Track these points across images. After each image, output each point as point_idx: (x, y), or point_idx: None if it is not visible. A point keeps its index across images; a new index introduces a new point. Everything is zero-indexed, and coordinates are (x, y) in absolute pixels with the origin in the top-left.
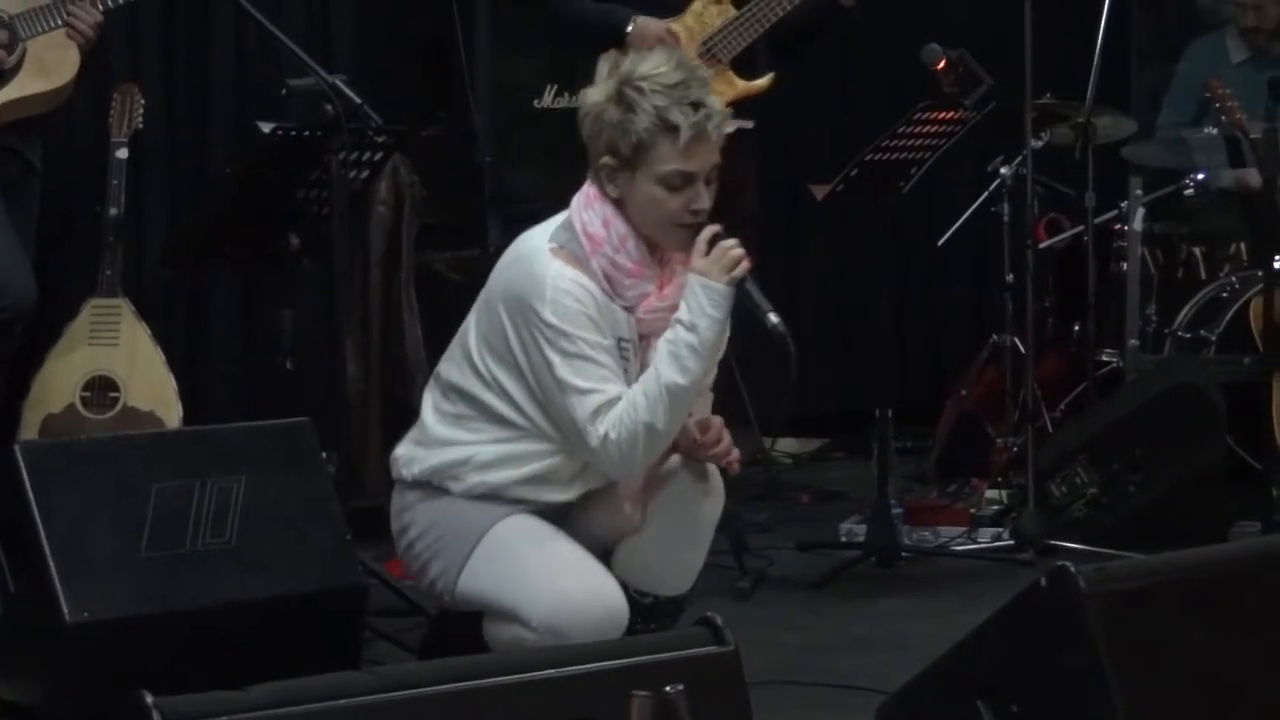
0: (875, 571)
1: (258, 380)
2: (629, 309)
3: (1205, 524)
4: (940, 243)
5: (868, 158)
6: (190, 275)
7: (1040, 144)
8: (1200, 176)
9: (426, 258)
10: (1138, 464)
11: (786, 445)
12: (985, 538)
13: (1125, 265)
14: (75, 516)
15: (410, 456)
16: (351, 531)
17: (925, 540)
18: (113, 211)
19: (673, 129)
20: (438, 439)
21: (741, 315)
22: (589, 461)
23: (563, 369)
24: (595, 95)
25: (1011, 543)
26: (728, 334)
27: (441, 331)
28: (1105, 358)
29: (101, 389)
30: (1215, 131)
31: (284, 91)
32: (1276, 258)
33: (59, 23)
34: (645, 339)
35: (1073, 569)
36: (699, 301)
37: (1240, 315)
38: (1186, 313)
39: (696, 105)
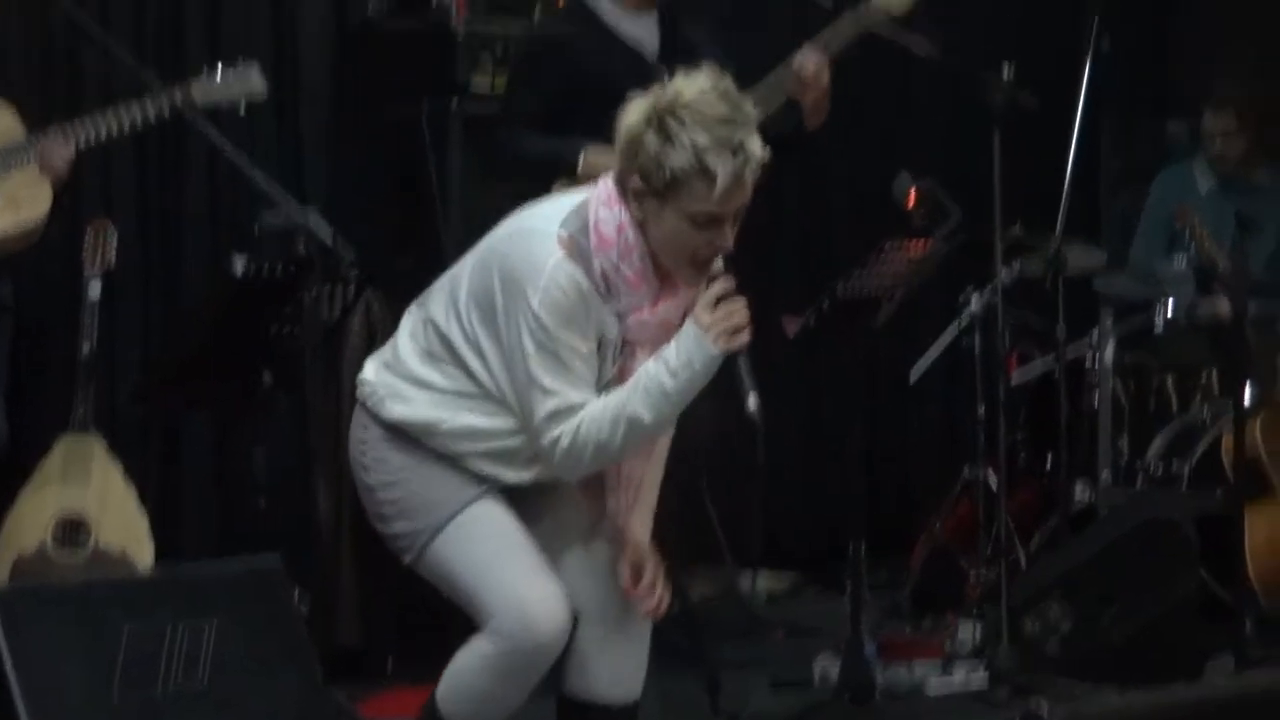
0: (850, 710)
1: (231, 518)
2: (620, 315)
3: (1180, 659)
4: (912, 375)
5: (839, 291)
6: (163, 412)
7: (1011, 275)
8: (1171, 307)
9: None
10: (1111, 599)
11: (761, 582)
12: (960, 673)
13: (1096, 397)
14: (47, 661)
15: (380, 390)
16: (324, 672)
17: (900, 676)
18: (85, 348)
19: (710, 174)
20: (407, 373)
21: (717, 402)
22: (536, 450)
23: (535, 362)
24: (634, 115)
25: (986, 678)
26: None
27: None
28: (1078, 491)
29: (73, 528)
30: (1185, 264)
31: (257, 228)
32: (1247, 389)
33: (31, 159)
34: (630, 345)
35: (1045, 711)
36: (689, 353)
37: (1213, 447)
38: (1158, 445)
39: (736, 150)
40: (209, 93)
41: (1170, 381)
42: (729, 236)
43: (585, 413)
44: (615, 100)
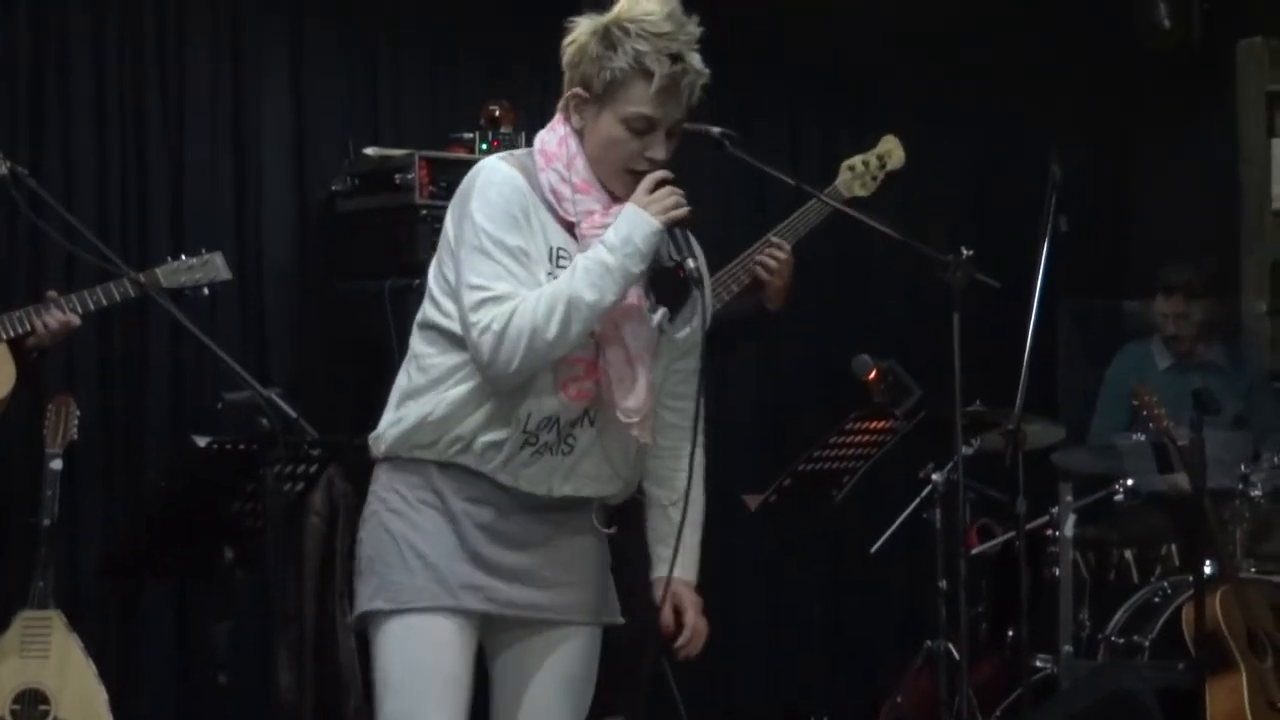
0: None
1: (192, 693)
2: (572, 224)
3: None
4: (873, 549)
5: (800, 467)
6: (125, 586)
7: (971, 451)
8: (1130, 482)
9: None
10: None
11: None
12: None
13: (1057, 570)
14: None
15: (382, 428)
16: None
17: None
18: (46, 522)
19: (647, 74)
20: (398, 392)
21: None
22: (472, 355)
23: (466, 265)
24: (583, 27)
25: None
26: (644, 270)
27: None
28: (1040, 663)
29: (32, 702)
30: (1144, 438)
31: (220, 405)
32: (1206, 563)
33: None
34: (598, 339)
35: None
36: (627, 227)
37: (1173, 621)
38: (1119, 618)
39: (675, 58)
40: (175, 277)
41: (1130, 555)
42: (662, 148)
43: (519, 300)
44: None
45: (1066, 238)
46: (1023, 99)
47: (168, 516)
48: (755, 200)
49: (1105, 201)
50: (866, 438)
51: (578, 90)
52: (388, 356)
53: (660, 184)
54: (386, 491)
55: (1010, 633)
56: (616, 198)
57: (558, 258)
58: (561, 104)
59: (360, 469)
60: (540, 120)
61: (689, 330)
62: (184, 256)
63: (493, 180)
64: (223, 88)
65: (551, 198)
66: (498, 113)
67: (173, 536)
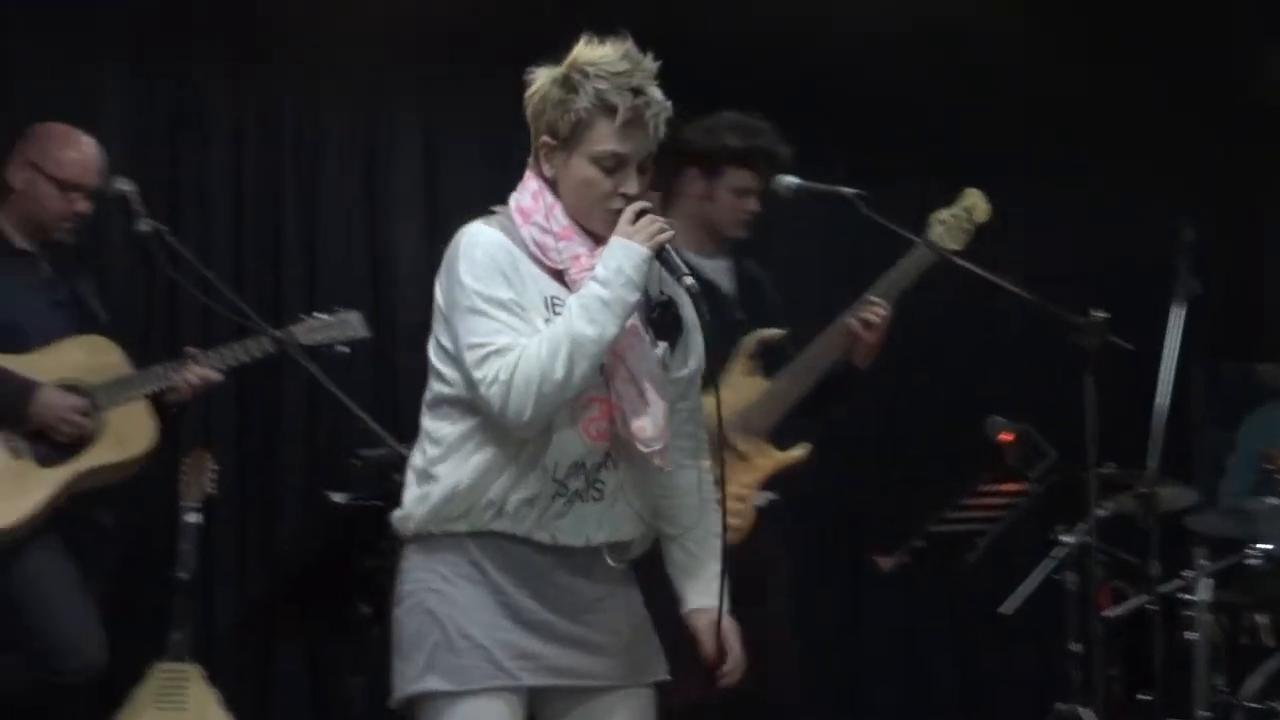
0: None
1: None
2: (561, 272)
3: None
4: (1004, 610)
5: (933, 528)
6: (261, 640)
7: (1104, 513)
8: (1266, 546)
9: None
10: None
11: None
12: None
13: (1191, 634)
14: None
15: (408, 507)
16: None
17: None
18: (183, 576)
19: (610, 110)
20: (416, 470)
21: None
22: (487, 413)
23: (464, 328)
24: (542, 77)
25: None
26: (639, 299)
27: None
28: None
29: None
30: (1277, 501)
31: (356, 462)
32: None
33: (140, 393)
34: (606, 367)
35: None
36: (616, 260)
37: None
38: (1254, 681)
39: (636, 91)
40: (312, 335)
41: (1264, 619)
42: (635, 183)
43: (521, 348)
44: None
45: (1200, 298)
46: (1148, 159)
47: (305, 572)
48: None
49: (1235, 262)
50: (999, 499)
51: (545, 139)
52: None
53: (640, 214)
54: (423, 571)
55: (1142, 696)
56: (599, 239)
57: (553, 306)
58: (531, 159)
59: None
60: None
61: (687, 371)
62: (318, 315)
63: (476, 242)
64: (358, 148)
65: (536, 250)
66: None
67: (309, 592)
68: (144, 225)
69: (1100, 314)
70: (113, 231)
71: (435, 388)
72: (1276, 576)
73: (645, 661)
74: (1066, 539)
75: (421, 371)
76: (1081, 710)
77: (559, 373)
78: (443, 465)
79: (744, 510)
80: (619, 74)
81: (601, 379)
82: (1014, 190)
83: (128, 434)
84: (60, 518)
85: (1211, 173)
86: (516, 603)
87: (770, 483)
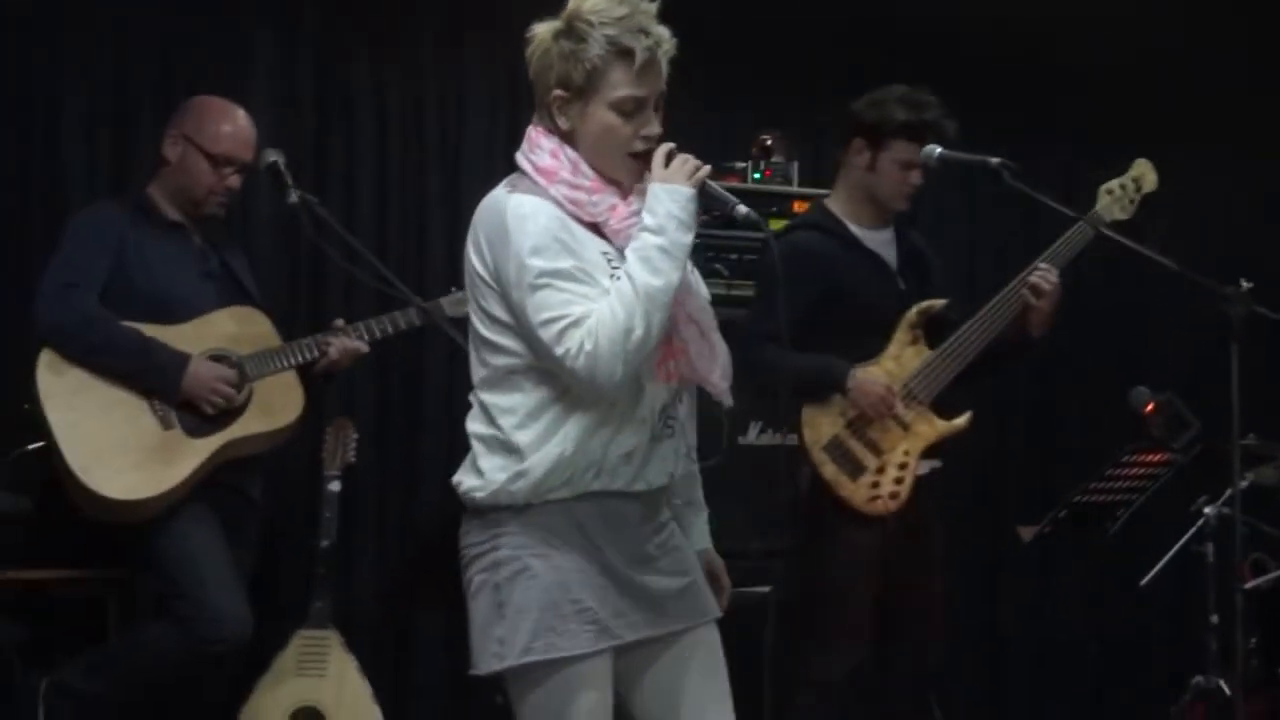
0: None
1: (465, 713)
2: (599, 226)
3: None
4: (1144, 582)
5: (1076, 499)
6: (401, 609)
7: (1245, 484)
8: None
9: None
10: None
11: None
12: None
13: None
14: None
15: (498, 481)
16: None
17: None
18: (324, 543)
19: (627, 53)
20: (494, 437)
21: None
22: (574, 386)
23: (531, 307)
24: (542, 32)
25: None
26: (693, 238)
27: None
28: None
29: (309, 719)
30: None
31: None
32: None
33: (288, 364)
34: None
35: None
36: (664, 205)
37: None
38: None
39: (645, 32)
40: (459, 307)
41: None
42: (655, 123)
43: (595, 315)
44: (865, 310)
45: None
46: None
47: (445, 542)
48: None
49: None
50: (1142, 470)
51: (558, 92)
52: None
53: (669, 156)
54: (522, 538)
55: None
56: (623, 189)
57: (608, 262)
58: (537, 116)
59: None
60: (809, 148)
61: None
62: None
63: (525, 214)
64: (501, 116)
65: (573, 208)
66: (769, 142)
67: (449, 562)
68: (293, 196)
69: (1246, 284)
70: (260, 202)
71: (495, 360)
72: None
73: (709, 598)
74: (1207, 510)
75: None
76: (1220, 682)
77: (639, 330)
78: (524, 433)
79: (905, 478)
80: (623, 17)
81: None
82: (1164, 157)
83: (275, 404)
84: (209, 487)
85: None
86: (612, 560)
87: (933, 451)
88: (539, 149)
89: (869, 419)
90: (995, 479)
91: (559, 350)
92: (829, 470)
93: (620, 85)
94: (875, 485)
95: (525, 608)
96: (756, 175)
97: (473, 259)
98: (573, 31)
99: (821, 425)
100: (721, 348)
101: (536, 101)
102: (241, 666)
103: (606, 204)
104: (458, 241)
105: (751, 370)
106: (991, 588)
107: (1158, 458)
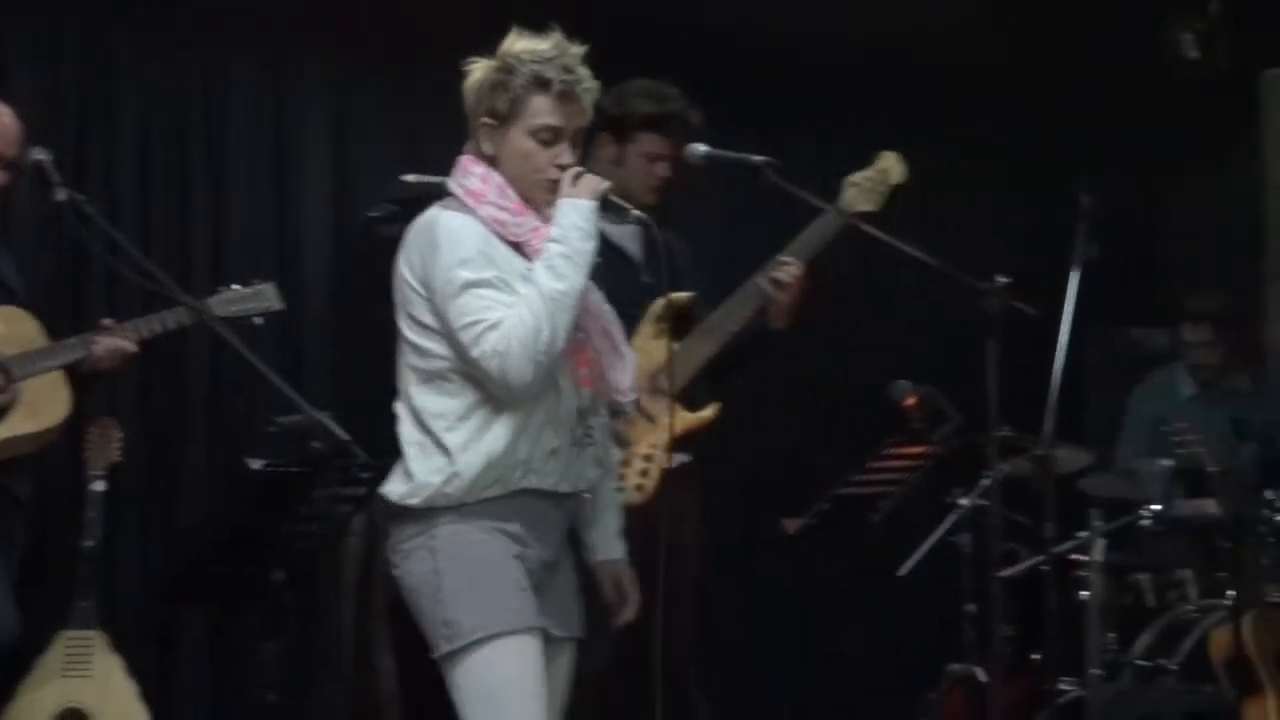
0: None
1: (232, 713)
2: (521, 245)
3: None
4: (902, 572)
5: (840, 491)
6: (167, 607)
7: (999, 476)
8: (1155, 507)
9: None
10: None
11: None
12: None
13: (1083, 594)
14: None
15: (434, 482)
16: None
17: None
18: (89, 544)
19: (545, 85)
20: (423, 441)
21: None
22: (487, 385)
23: (454, 311)
24: (479, 68)
25: None
26: (595, 246)
27: (415, 660)
28: (1066, 686)
29: None
30: (1170, 463)
31: (272, 429)
32: (1235, 588)
33: (55, 364)
34: (578, 338)
35: None
36: (568, 217)
37: (1199, 644)
38: (1144, 640)
39: (567, 69)
40: (228, 306)
41: (1150, 580)
42: (569, 154)
43: (507, 320)
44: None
45: (1095, 264)
46: (1051, 127)
47: (216, 539)
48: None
49: (1133, 229)
50: (903, 463)
51: (485, 120)
52: None
53: (577, 177)
54: (458, 531)
55: (1036, 656)
56: (543, 214)
57: (524, 279)
58: (470, 144)
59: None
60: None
61: None
62: (236, 286)
63: (454, 228)
64: (265, 114)
65: (498, 227)
66: None
67: (225, 558)
68: (60, 195)
69: (1003, 279)
70: (23, 201)
71: (422, 364)
72: (1166, 538)
73: (578, 615)
74: (963, 501)
75: (326, 337)
76: (976, 669)
77: (545, 332)
78: (454, 435)
79: (651, 470)
80: (550, 57)
81: (578, 333)
82: (920, 155)
83: (43, 405)
84: None
85: (1110, 139)
86: (535, 557)
87: (684, 445)
88: (469, 174)
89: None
90: (759, 472)
91: (475, 351)
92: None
93: (539, 114)
94: (620, 477)
95: (467, 589)
96: None
97: (403, 270)
98: (504, 66)
99: (642, 433)
100: (631, 358)
101: (470, 130)
102: (3, 668)
103: (529, 226)
104: (224, 242)
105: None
106: (755, 579)
107: (918, 450)
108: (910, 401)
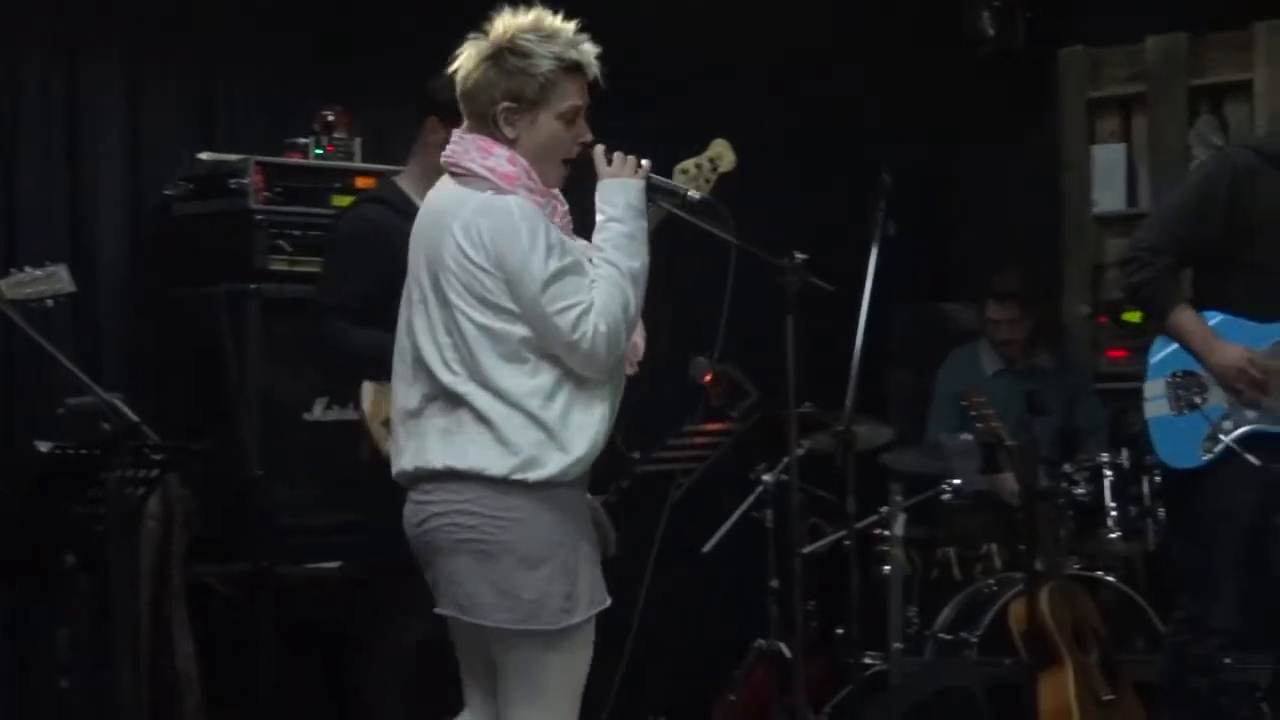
0: None
1: (26, 698)
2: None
3: None
4: (706, 549)
5: (639, 468)
6: None
7: (801, 451)
8: (956, 481)
9: (198, 572)
10: None
11: None
12: None
13: (886, 569)
14: None
15: (549, 462)
16: None
17: None
18: None
19: (574, 68)
20: (514, 422)
21: None
22: (578, 367)
23: (546, 298)
24: (473, 57)
25: None
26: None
27: (214, 648)
28: (869, 660)
29: None
30: (970, 438)
31: (61, 411)
32: (1034, 561)
33: None
34: None
35: None
36: (621, 197)
37: (999, 617)
38: (947, 615)
39: (582, 48)
40: (19, 289)
41: (954, 553)
42: (587, 131)
43: (596, 301)
44: None
45: (895, 242)
46: (852, 104)
47: (8, 522)
48: None
49: (932, 206)
50: (704, 439)
51: (506, 104)
52: (223, 361)
53: (608, 154)
54: (569, 500)
55: (839, 630)
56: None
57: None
58: (488, 126)
59: (195, 473)
60: (377, 125)
61: None
62: (28, 269)
63: (528, 213)
64: (56, 93)
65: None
66: (332, 118)
67: (13, 541)
68: None
69: (801, 256)
70: None
71: (496, 345)
72: (968, 512)
73: None
74: (765, 477)
75: (122, 318)
76: (780, 645)
77: (631, 308)
78: (550, 411)
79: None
80: (559, 35)
81: None
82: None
83: None
84: None
85: (911, 117)
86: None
87: None
88: (494, 156)
89: None
90: None
91: (576, 334)
92: (387, 446)
93: (570, 96)
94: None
95: (573, 566)
96: (319, 151)
97: (469, 252)
98: (516, 49)
99: (381, 401)
100: (640, 327)
101: (470, 113)
102: None
103: (549, 207)
104: (14, 217)
105: (318, 345)
106: None
107: (718, 426)
108: (709, 378)
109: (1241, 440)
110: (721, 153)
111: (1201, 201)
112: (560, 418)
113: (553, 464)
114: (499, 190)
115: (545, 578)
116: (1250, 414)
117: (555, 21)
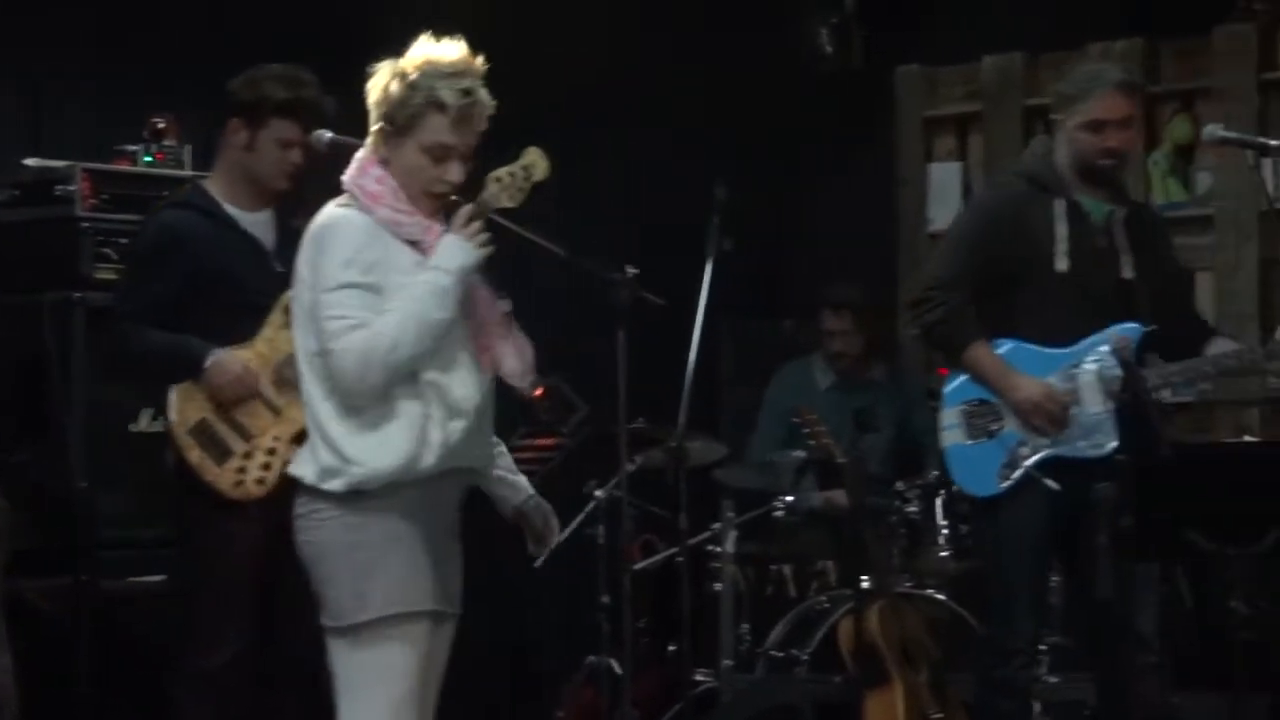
0: None
1: None
2: (418, 245)
3: None
4: (537, 564)
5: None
6: None
7: (633, 467)
8: (789, 498)
9: (17, 586)
10: None
11: None
12: None
13: (718, 585)
14: None
15: (371, 463)
16: None
17: None
18: None
19: (442, 107)
20: (330, 429)
21: None
22: (336, 380)
23: (323, 305)
24: (384, 71)
25: None
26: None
27: (33, 663)
28: (700, 677)
29: None
30: (803, 455)
31: None
32: (863, 578)
33: None
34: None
35: None
36: (459, 258)
37: (831, 635)
38: (778, 632)
39: (465, 92)
40: None
41: (789, 570)
42: (457, 172)
43: (378, 325)
44: (238, 291)
45: (729, 257)
46: (688, 119)
47: None
48: None
49: (767, 222)
50: (534, 454)
51: (383, 125)
52: (47, 371)
53: (469, 220)
54: (377, 507)
55: (671, 647)
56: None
57: (417, 265)
58: (369, 143)
59: (15, 484)
60: (207, 133)
61: None
62: None
63: (340, 228)
64: None
65: (394, 228)
66: (162, 125)
67: None
68: None
69: (632, 270)
70: None
71: (315, 361)
72: (801, 529)
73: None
74: (597, 493)
75: None
76: (611, 661)
77: (410, 348)
78: (340, 428)
79: (273, 463)
80: (452, 75)
81: (476, 319)
82: (550, 147)
83: None
84: None
85: (746, 132)
86: (434, 537)
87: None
88: (366, 175)
89: (236, 402)
90: None
91: (336, 345)
92: (194, 455)
93: (434, 132)
94: (241, 470)
95: (386, 566)
96: (148, 159)
97: (303, 272)
98: (405, 77)
99: (188, 409)
100: (523, 343)
101: (370, 125)
102: None
103: (422, 226)
104: None
105: (122, 346)
106: None
107: (548, 441)
108: (538, 393)
109: (1039, 465)
110: (535, 160)
111: (983, 232)
112: (350, 435)
113: (345, 477)
114: (359, 206)
115: (338, 575)
116: (1044, 440)
117: (454, 59)
